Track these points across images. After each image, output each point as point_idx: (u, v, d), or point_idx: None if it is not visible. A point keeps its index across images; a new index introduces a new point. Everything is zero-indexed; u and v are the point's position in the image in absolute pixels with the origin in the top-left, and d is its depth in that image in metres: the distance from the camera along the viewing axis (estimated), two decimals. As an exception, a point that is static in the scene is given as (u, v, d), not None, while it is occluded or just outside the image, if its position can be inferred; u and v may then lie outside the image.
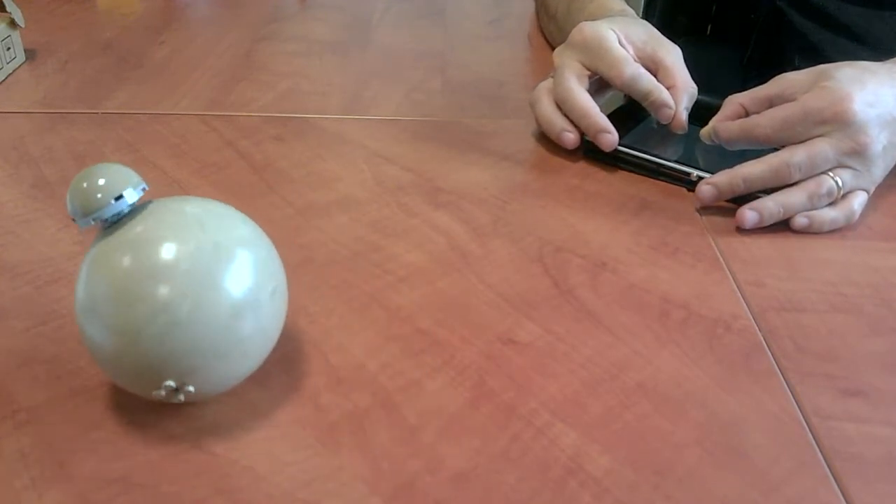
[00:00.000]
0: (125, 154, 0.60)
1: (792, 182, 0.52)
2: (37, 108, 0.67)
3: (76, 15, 0.91)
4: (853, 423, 0.38)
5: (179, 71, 0.76)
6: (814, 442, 0.37)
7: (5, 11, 0.74)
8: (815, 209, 0.52)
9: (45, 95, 0.70)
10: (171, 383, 0.33)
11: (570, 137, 0.59)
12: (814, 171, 0.51)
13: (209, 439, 0.36)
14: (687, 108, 0.58)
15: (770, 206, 0.52)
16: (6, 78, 0.73)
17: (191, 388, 0.33)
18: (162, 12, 0.93)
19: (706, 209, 0.55)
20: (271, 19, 0.91)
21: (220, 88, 0.72)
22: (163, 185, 0.55)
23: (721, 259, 0.50)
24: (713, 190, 0.54)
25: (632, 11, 0.67)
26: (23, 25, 0.75)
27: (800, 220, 0.52)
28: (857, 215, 0.53)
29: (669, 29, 0.83)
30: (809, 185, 0.51)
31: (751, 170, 0.52)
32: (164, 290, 0.31)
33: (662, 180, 0.58)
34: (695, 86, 0.59)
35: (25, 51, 0.77)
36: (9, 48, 0.74)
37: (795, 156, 0.51)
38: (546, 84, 0.62)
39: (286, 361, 0.40)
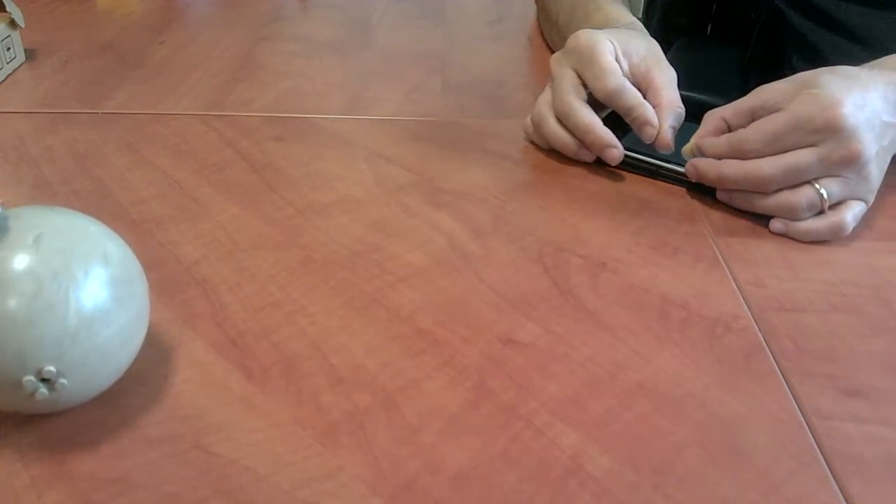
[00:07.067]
0: (125, 154, 0.60)
1: (768, 192, 0.51)
2: (37, 108, 0.67)
3: (76, 15, 0.91)
4: (853, 423, 0.38)
5: (179, 71, 0.76)
6: (814, 442, 0.37)
7: (5, 11, 0.74)
8: (799, 220, 0.51)
9: (45, 95, 0.70)
10: (51, 368, 0.32)
11: (588, 153, 0.59)
12: (794, 182, 0.51)
13: (209, 439, 0.36)
14: (673, 128, 0.57)
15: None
16: (6, 78, 0.73)
17: (64, 381, 0.32)
18: (162, 12, 0.93)
19: (706, 209, 0.55)
20: (271, 19, 0.92)
21: (220, 88, 0.72)
22: (163, 186, 0.55)
23: (721, 259, 0.50)
24: (693, 171, 0.54)
25: (641, 26, 0.66)
26: (23, 25, 0.75)
27: (776, 225, 0.52)
28: (848, 227, 0.51)
29: (670, 29, 0.83)
30: (786, 196, 0.51)
31: (727, 170, 0.52)
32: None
33: (662, 181, 0.58)
34: (682, 106, 0.58)
35: (25, 51, 0.77)
36: (9, 48, 0.74)
37: (774, 168, 0.50)
38: (546, 98, 0.61)
39: (286, 361, 0.40)
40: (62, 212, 0.35)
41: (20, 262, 0.32)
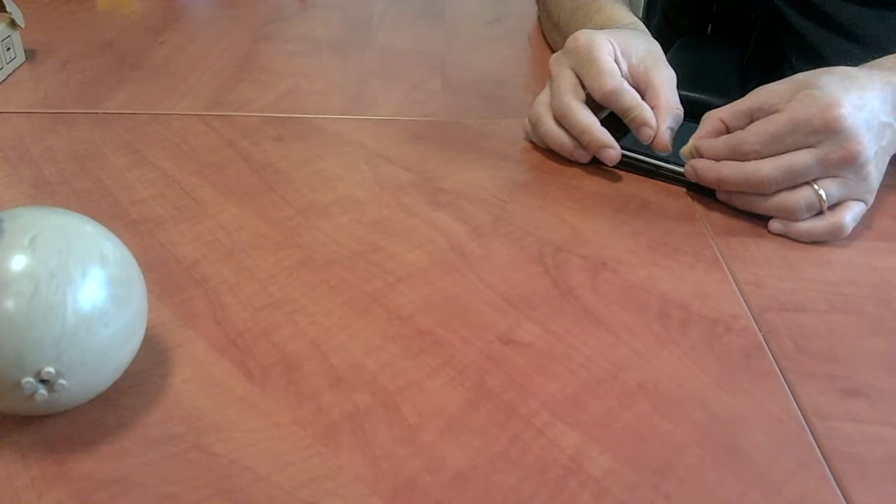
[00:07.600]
0: (125, 154, 0.60)
1: (767, 193, 0.51)
2: (37, 108, 0.67)
3: (76, 15, 0.91)
4: (853, 423, 0.38)
5: (179, 71, 0.76)
6: (814, 442, 0.37)
7: (5, 11, 0.74)
8: (798, 220, 0.51)
9: (45, 95, 0.70)
10: (50, 369, 0.32)
11: (584, 154, 0.58)
12: (793, 183, 0.50)
13: (209, 439, 0.36)
14: (671, 129, 0.56)
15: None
16: (6, 78, 0.73)
17: (63, 382, 0.32)
18: (162, 12, 0.93)
19: (706, 209, 0.55)
20: (271, 19, 0.91)
21: (220, 88, 0.72)
22: (163, 186, 0.55)
23: (721, 259, 0.50)
24: (692, 172, 0.54)
25: (642, 26, 0.66)
26: (23, 25, 0.75)
27: (775, 225, 0.52)
28: (847, 228, 0.51)
29: (670, 29, 0.83)
30: (785, 197, 0.51)
31: (726, 172, 0.52)
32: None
33: (661, 181, 0.58)
34: (680, 107, 0.57)
35: (25, 51, 0.77)
36: (9, 48, 0.74)
37: (773, 169, 0.50)
38: (544, 98, 0.61)
39: (286, 361, 0.40)
40: (58, 212, 0.35)
41: (17, 263, 0.32)
